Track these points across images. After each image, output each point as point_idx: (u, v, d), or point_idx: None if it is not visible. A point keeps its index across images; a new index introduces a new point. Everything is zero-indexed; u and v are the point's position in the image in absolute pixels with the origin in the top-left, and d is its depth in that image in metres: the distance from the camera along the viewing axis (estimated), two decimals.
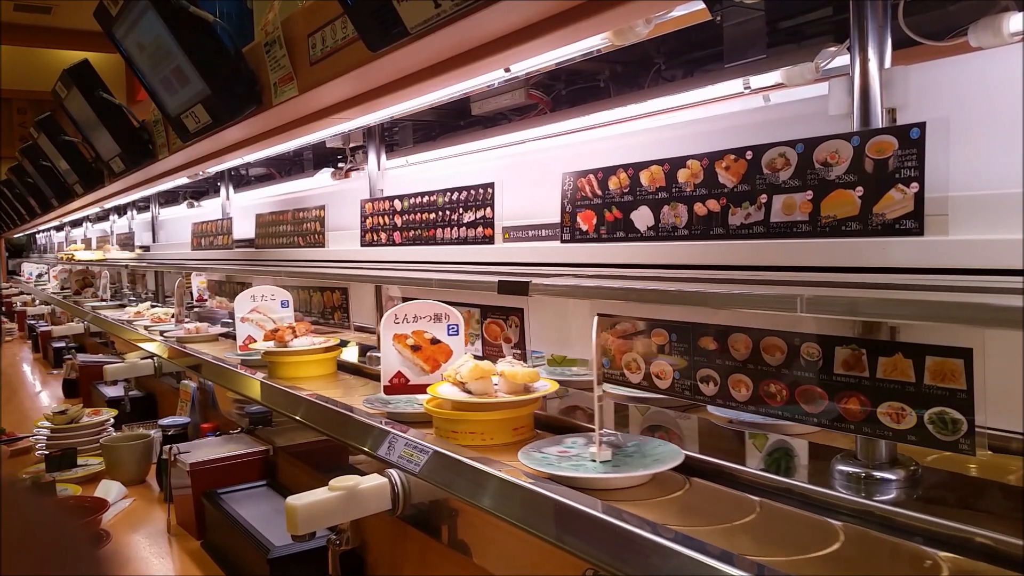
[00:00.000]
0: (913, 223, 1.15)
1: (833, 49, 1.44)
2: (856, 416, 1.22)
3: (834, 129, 1.30)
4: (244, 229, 3.75)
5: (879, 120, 1.27)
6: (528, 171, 2.13)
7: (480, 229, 2.05)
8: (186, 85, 2.35)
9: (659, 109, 1.83)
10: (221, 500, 2.17)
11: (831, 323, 1.27)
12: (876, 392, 1.20)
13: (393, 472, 1.52)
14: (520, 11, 1.29)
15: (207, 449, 2.39)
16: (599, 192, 1.68)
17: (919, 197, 1.15)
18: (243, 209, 4.06)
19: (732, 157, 1.42)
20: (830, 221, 1.25)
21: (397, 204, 2.40)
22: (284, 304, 2.84)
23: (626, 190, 1.62)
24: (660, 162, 1.56)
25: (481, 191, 2.06)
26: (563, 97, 2.24)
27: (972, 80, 1.24)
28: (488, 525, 1.36)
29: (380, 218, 2.47)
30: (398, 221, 2.39)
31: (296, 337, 2.54)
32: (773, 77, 1.57)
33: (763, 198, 1.36)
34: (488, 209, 2.03)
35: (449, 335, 1.89)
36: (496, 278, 1.64)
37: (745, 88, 1.64)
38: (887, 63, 1.28)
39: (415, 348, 1.87)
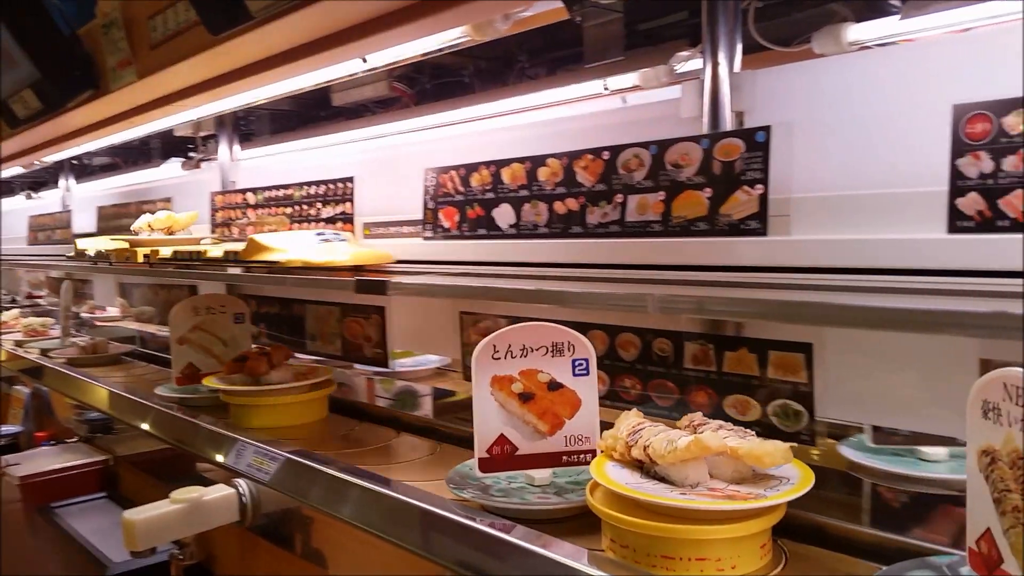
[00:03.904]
0: (757, 223, 1.19)
1: (686, 53, 1.48)
2: (705, 408, 1.26)
3: (687, 131, 1.33)
4: (86, 223, 3.50)
5: (728, 123, 1.30)
6: (390, 165, 2.08)
7: (339, 225, 1.99)
8: (13, 68, 2.16)
9: (522, 107, 1.83)
10: (55, 515, 2.02)
11: (682, 319, 1.30)
12: (723, 385, 1.24)
13: (241, 481, 1.44)
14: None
15: (40, 460, 2.25)
16: (462, 189, 1.66)
17: (763, 198, 1.20)
18: (85, 201, 3.79)
19: (590, 157, 1.43)
20: (680, 221, 1.28)
21: (250, 197, 2.29)
22: (238, 319, 2.13)
23: (488, 187, 1.61)
24: (522, 160, 1.55)
25: (340, 185, 1.99)
26: (428, 91, 2.20)
27: (815, 85, 1.29)
28: (344, 534, 1.30)
29: (231, 212, 2.35)
30: (251, 215, 2.28)
31: (273, 368, 1.85)
32: (630, 79, 1.60)
33: (619, 198, 1.38)
34: (348, 204, 1.97)
35: (576, 375, 1.27)
36: (354, 276, 1.58)
37: (604, 89, 1.66)
38: (737, 67, 1.32)
39: (525, 397, 1.25)
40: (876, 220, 1.13)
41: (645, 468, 1.09)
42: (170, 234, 2.33)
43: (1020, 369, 0.76)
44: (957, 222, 1.02)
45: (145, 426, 1.94)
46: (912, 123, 1.14)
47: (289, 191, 2.14)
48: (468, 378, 1.71)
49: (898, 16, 1.28)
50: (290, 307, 2.20)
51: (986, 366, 0.99)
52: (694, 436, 1.04)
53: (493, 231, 1.59)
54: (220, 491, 1.43)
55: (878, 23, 1.31)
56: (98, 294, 3.58)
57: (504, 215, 1.58)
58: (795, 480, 1.03)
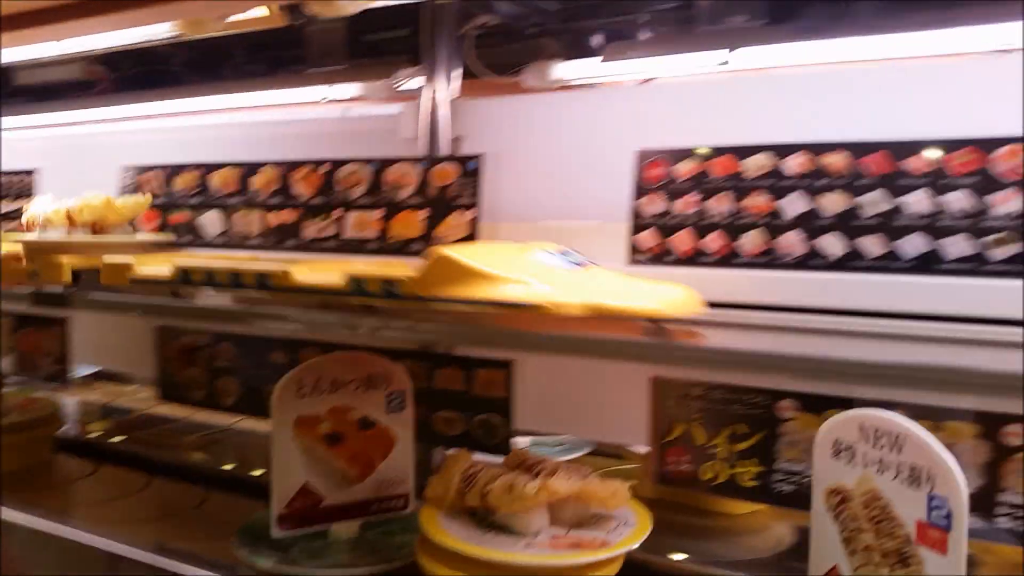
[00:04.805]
0: None
1: (408, 71, 1.50)
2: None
3: (407, 151, 1.36)
4: None
5: (446, 147, 1.35)
6: (82, 159, 1.86)
7: (18, 223, 1.75)
8: None
9: (235, 106, 1.74)
10: None
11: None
12: (434, 401, 1.28)
13: None
14: None
15: None
16: (165, 191, 1.55)
17: (474, 223, 1.26)
18: None
19: (309, 168, 1.41)
20: (396, 241, 1.30)
21: None
22: None
23: (195, 191, 1.52)
24: (234, 164, 1.49)
25: (19, 179, 1.75)
26: (130, 78, 2.01)
27: (527, 117, 1.36)
28: None
29: None
30: None
31: None
32: (352, 89, 1.59)
33: (337, 213, 1.37)
34: (27, 200, 1.74)
35: (390, 411, 1.14)
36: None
37: (324, 98, 1.63)
38: (455, 93, 1.37)
39: (333, 439, 1.10)
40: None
41: (479, 516, 0.99)
42: (98, 231, 1.41)
43: (877, 411, 0.77)
44: (635, 255, 1.15)
45: None
46: (604, 162, 1.25)
47: None
48: (166, 397, 1.58)
49: (600, 58, 1.40)
50: None
51: (656, 383, 1.13)
52: (544, 482, 0.95)
53: (199, 239, 1.50)
54: None
55: (579, 64, 1.42)
56: None
57: (212, 222, 1.50)
58: (632, 520, 1.00)
